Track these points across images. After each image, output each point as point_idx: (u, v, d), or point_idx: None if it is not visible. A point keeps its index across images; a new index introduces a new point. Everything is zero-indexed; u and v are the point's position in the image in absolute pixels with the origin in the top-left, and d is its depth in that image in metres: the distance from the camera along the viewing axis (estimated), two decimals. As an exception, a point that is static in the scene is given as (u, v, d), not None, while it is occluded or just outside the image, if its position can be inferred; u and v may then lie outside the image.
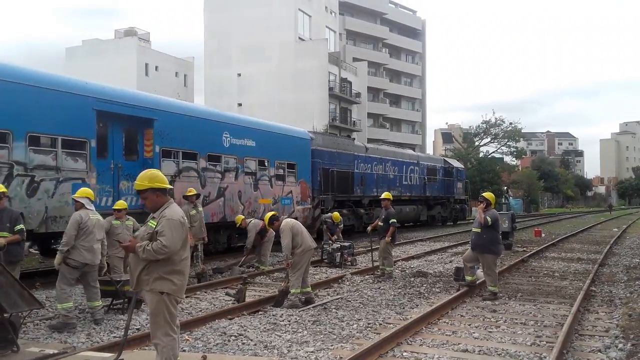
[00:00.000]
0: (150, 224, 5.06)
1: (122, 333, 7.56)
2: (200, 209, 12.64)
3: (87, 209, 8.15)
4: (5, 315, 6.44)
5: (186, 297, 10.28)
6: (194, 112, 15.70)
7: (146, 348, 6.96)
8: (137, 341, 7.05)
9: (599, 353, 6.74)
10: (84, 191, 8.41)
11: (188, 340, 7.26)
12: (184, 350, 6.83)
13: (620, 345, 6.97)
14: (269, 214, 10.29)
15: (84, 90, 12.16)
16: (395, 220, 12.76)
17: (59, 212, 11.19)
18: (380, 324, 8.20)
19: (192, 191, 12.74)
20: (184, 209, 12.25)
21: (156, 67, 55.00)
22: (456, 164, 38.28)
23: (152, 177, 5.20)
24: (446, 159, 38.85)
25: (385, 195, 13.32)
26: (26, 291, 6.71)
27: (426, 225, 32.43)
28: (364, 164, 25.31)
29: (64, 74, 14.83)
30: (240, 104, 49.78)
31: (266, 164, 17.94)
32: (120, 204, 10.31)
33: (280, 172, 18.69)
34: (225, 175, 16.07)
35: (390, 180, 27.80)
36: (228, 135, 16.18)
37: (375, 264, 13.29)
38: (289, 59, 50.77)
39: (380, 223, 12.97)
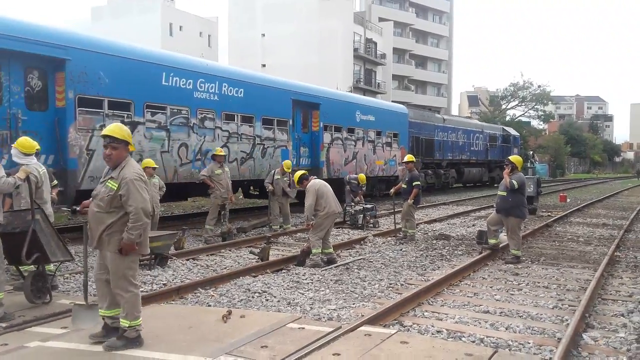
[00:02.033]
0: (111, 185, 4.96)
1: (149, 288, 7.79)
2: (227, 169, 12.66)
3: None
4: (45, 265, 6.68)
5: (211, 254, 10.50)
6: (340, 97, 21.75)
7: (172, 302, 7.15)
8: (164, 295, 7.22)
9: (621, 317, 6.72)
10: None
11: (213, 295, 7.43)
12: (210, 305, 7.01)
13: (643, 311, 6.94)
14: (299, 172, 10.18)
15: (286, 86, 17.65)
16: (419, 183, 12.70)
17: (276, 166, 15.41)
18: (402, 285, 8.27)
19: (220, 151, 12.69)
20: (210, 167, 12.40)
21: (180, 27, 54.74)
22: (513, 131, 42.41)
23: (127, 130, 5.13)
24: (505, 127, 43.06)
25: (408, 157, 13.22)
26: (62, 242, 6.92)
27: (487, 186, 36.57)
28: (442, 132, 30.58)
29: (240, 69, 17.96)
30: (264, 65, 49.47)
31: (380, 134, 23.15)
32: (148, 162, 10.45)
33: (389, 140, 23.95)
34: (357, 143, 21.33)
35: (461, 146, 33.00)
36: (359, 113, 21.65)
37: (398, 226, 13.31)
38: (313, 18, 50.01)
39: (403, 185, 12.93)
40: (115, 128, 5.09)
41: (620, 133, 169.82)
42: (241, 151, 15.38)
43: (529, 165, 40.20)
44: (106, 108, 11.82)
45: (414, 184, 12.58)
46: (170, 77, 13.30)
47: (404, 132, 25.31)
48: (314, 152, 18.99)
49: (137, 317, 5.11)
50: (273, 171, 14.27)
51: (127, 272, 5.09)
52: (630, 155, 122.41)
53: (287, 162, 14.44)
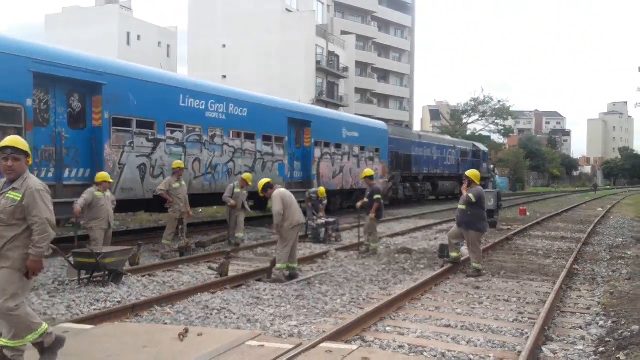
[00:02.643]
0: (13, 196, 4.64)
1: (102, 305, 7.52)
2: (184, 183, 12.41)
3: None
4: None
5: (168, 270, 10.25)
6: (329, 114, 24.08)
7: (127, 320, 6.91)
8: (118, 313, 6.98)
9: (580, 330, 6.79)
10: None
11: (170, 313, 7.21)
12: (166, 323, 6.80)
13: (601, 322, 7.03)
14: (263, 180, 9.98)
15: (283, 105, 19.56)
16: (379, 197, 12.76)
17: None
18: (364, 299, 8.21)
19: (179, 164, 12.36)
20: (167, 180, 12.13)
21: (138, 37, 54.06)
22: (482, 147, 45.39)
23: (26, 142, 4.86)
24: (474, 143, 45.79)
25: (366, 172, 13.29)
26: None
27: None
28: (418, 147, 32.51)
29: (220, 85, 19.13)
30: (224, 76, 49.00)
31: (364, 149, 24.93)
32: (104, 176, 10.17)
33: (371, 154, 25.64)
34: (343, 157, 23.10)
35: (435, 161, 34.83)
36: (345, 130, 23.40)
37: (361, 240, 13.28)
38: (275, 30, 49.86)
39: (365, 199, 12.93)
40: (16, 139, 4.78)
41: (577, 148, 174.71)
42: (245, 165, 16.91)
43: (490, 177, 42.36)
44: (134, 127, 13.14)
45: (374, 197, 12.60)
46: (187, 99, 14.78)
47: (384, 147, 27.14)
48: (306, 166, 20.71)
49: (24, 336, 4.69)
50: (232, 185, 13.97)
51: (23, 288, 4.70)
52: (587, 169, 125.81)
53: (248, 175, 14.27)
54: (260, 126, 17.63)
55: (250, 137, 17.23)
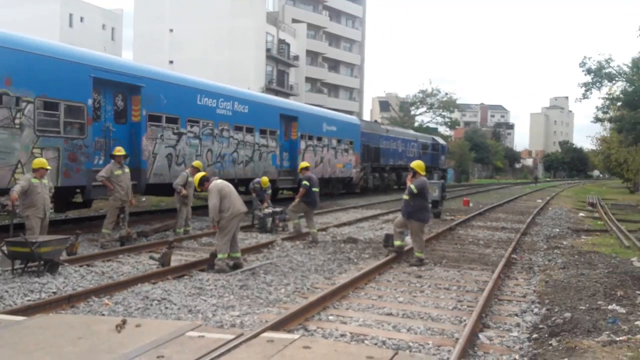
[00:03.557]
0: None
1: (36, 296, 7.27)
2: (127, 170, 12.06)
3: None
4: None
5: (107, 260, 9.99)
6: (313, 111, 26.92)
7: (62, 312, 6.70)
8: (53, 304, 6.76)
9: (515, 317, 7.00)
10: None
11: (108, 304, 7.03)
12: (103, 314, 6.63)
13: (535, 310, 7.27)
14: (199, 174, 9.86)
15: (276, 103, 22.93)
16: (306, 183, 13.16)
17: (269, 169, 20.64)
18: (309, 289, 8.22)
19: (120, 150, 12.03)
20: (108, 167, 11.79)
21: (81, 18, 52.11)
22: (441, 141, 49.03)
23: None
24: (435, 137, 49.16)
25: (302, 165, 13.94)
26: None
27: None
28: (385, 141, 35.22)
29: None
30: (171, 62, 47.97)
31: (340, 142, 27.57)
32: (41, 162, 9.79)
33: (346, 147, 28.37)
34: (323, 149, 25.74)
35: (400, 153, 37.50)
36: (325, 124, 26.14)
37: (305, 230, 13.36)
38: (224, 16, 49.05)
39: (301, 188, 13.41)
40: None
41: (520, 141, 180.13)
42: (246, 155, 19.48)
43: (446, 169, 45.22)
44: (164, 122, 15.54)
45: (302, 183, 13.17)
46: (202, 98, 17.26)
47: (357, 140, 29.99)
48: (293, 156, 23.20)
49: None
50: (185, 173, 13.67)
51: None
52: (529, 162, 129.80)
53: (199, 163, 14.11)
54: (258, 121, 20.27)
55: (250, 130, 19.74)
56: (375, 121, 48.53)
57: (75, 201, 14.48)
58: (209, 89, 17.78)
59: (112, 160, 11.93)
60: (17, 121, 11.50)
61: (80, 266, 9.20)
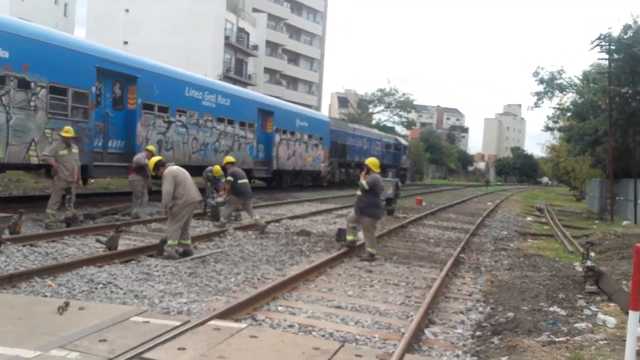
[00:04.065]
0: None
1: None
2: (75, 150, 11.67)
3: None
4: None
5: (52, 241, 9.69)
6: (288, 107, 28.60)
7: (3, 291, 6.47)
8: (-8, 284, 6.51)
9: (461, 314, 7.13)
10: None
11: (51, 285, 6.83)
12: (46, 296, 6.43)
13: (480, 308, 7.43)
14: (155, 158, 9.66)
15: (255, 97, 25.00)
16: (230, 178, 13.25)
17: (246, 159, 22.65)
18: (259, 279, 8.17)
19: (68, 131, 11.60)
20: (54, 146, 11.42)
21: (32, -8, 50.20)
22: (403, 141, 52.33)
23: None
24: (397, 137, 52.79)
25: (227, 159, 14.04)
26: None
27: None
28: (352, 138, 37.85)
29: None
30: (126, 42, 46.64)
31: (311, 137, 29.73)
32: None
33: (316, 142, 30.60)
34: (296, 143, 27.80)
35: (365, 150, 39.34)
36: (299, 120, 28.34)
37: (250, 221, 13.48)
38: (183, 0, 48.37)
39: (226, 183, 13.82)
40: None
41: (474, 145, 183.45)
42: (226, 145, 21.28)
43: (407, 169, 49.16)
44: (156, 111, 17.10)
45: (227, 178, 13.41)
46: (190, 90, 18.97)
47: (326, 136, 32.24)
48: (268, 148, 25.18)
49: None
50: (141, 155, 13.62)
51: None
52: (481, 165, 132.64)
53: (152, 147, 14.13)
54: (239, 114, 22.07)
55: (231, 122, 21.55)
56: (343, 119, 51.52)
57: None
58: (196, 82, 19.66)
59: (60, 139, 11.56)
60: (32, 104, 12.93)
61: (24, 246, 8.91)
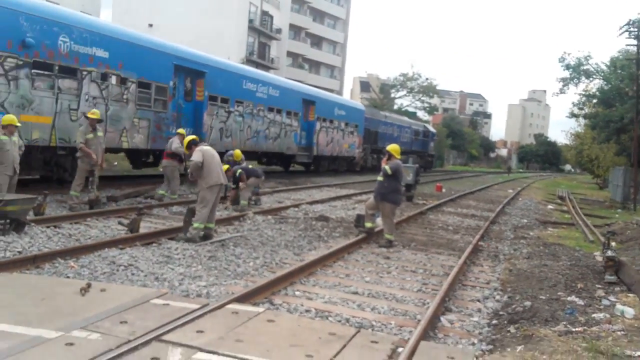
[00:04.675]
0: None
1: (1, 255, 7.16)
2: (100, 134, 11.83)
3: None
4: None
5: (75, 223, 9.88)
6: (328, 96, 31.97)
7: (27, 272, 6.63)
8: (17, 264, 6.68)
9: (477, 303, 7.14)
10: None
11: (73, 267, 6.97)
12: (68, 277, 6.57)
13: (497, 297, 7.42)
14: (189, 137, 9.99)
15: (300, 88, 27.08)
16: (241, 171, 13.76)
17: (291, 145, 25.37)
18: (277, 264, 8.25)
19: (95, 114, 11.76)
20: (81, 130, 11.58)
21: (59, -26, 50.59)
22: (431, 128, 54.51)
23: None
24: (425, 124, 54.99)
25: (237, 154, 15.19)
26: None
27: None
28: (383, 126, 39.58)
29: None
30: (151, 25, 46.87)
31: (347, 125, 31.86)
32: (10, 119, 9.57)
33: (352, 129, 32.66)
34: (334, 131, 30.14)
35: (395, 137, 40.39)
36: (337, 109, 30.49)
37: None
38: (209, -18, 48.33)
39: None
40: None
41: (496, 131, 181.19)
42: (275, 132, 23.69)
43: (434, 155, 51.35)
44: (219, 102, 19.50)
45: (239, 172, 13.79)
46: (246, 83, 21.45)
47: (361, 124, 34.07)
48: (310, 135, 27.34)
49: None
50: (173, 139, 14.20)
51: None
52: (503, 152, 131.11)
53: (182, 130, 14.70)
54: (285, 104, 24.23)
55: (279, 112, 23.85)
56: (375, 107, 53.21)
57: (147, 161, 18.19)
58: (251, 75, 22.30)
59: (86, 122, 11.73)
60: (124, 97, 15.13)
61: (47, 227, 9.09)
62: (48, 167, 13.81)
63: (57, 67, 13.16)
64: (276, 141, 23.94)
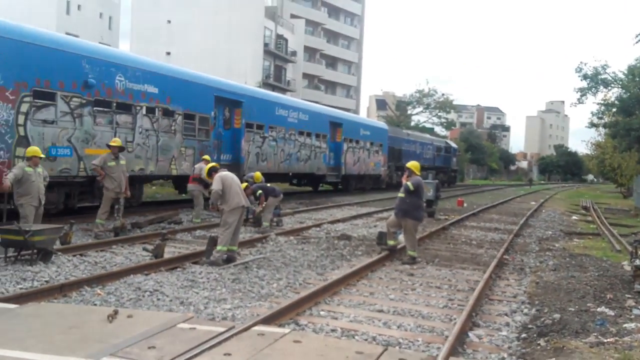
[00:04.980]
0: None
1: (29, 285, 7.27)
2: (123, 162, 12.06)
3: None
4: None
5: (101, 250, 9.99)
6: (353, 118, 34.81)
7: (54, 300, 6.71)
8: (45, 293, 6.77)
9: (505, 317, 7.04)
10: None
11: (100, 294, 7.05)
12: (95, 304, 6.64)
13: (525, 310, 7.32)
14: (210, 164, 10.23)
15: (327, 112, 29.37)
16: (260, 192, 14.12)
17: (321, 165, 26.72)
18: (301, 284, 8.25)
19: (116, 142, 12.10)
20: (103, 157, 11.79)
21: (78, 6, 51.61)
22: (452, 144, 55.02)
23: None
24: (447, 140, 56.32)
25: (256, 174, 15.38)
26: None
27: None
28: (406, 144, 40.49)
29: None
30: (169, 53, 47.83)
31: (372, 144, 32.87)
32: (34, 151, 9.78)
33: (377, 149, 33.69)
34: (360, 150, 31.17)
35: (418, 154, 41.36)
36: (362, 130, 31.88)
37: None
38: (223, 9, 48.87)
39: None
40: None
41: (515, 143, 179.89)
42: (305, 154, 24.94)
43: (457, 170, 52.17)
44: (255, 128, 20.85)
45: (258, 193, 14.16)
46: (279, 109, 22.87)
47: (385, 143, 35.22)
48: (337, 156, 28.48)
49: None
50: (198, 165, 14.87)
51: None
52: (524, 164, 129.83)
53: (207, 156, 15.33)
54: (314, 127, 25.64)
55: (309, 135, 25.15)
56: (397, 126, 54.48)
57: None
58: (283, 102, 24.02)
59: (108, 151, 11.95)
60: (172, 128, 16.43)
61: (74, 256, 9.22)
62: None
63: (114, 104, 14.39)
64: (307, 163, 25.15)
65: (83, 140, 13.40)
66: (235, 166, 18.98)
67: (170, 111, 16.31)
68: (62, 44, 13.19)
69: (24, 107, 11.96)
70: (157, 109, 15.78)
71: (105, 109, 14.20)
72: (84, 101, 13.40)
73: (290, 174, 25.18)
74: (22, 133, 11.86)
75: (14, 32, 12.04)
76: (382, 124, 38.16)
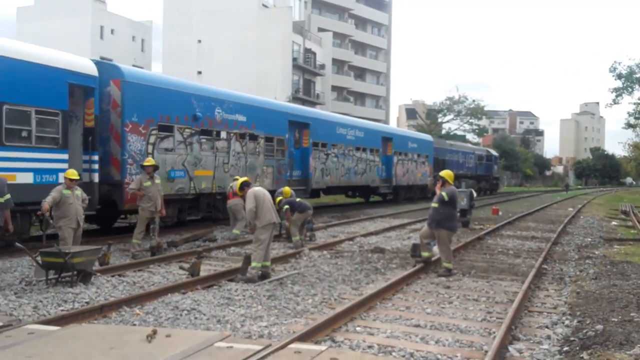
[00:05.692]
0: None
1: (69, 306, 7.42)
2: (158, 181, 12.23)
3: None
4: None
5: (138, 270, 10.15)
6: (401, 132, 37.09)
7: (94, 321, 6.83)
8: (86, 314, 6.90)
9: (546, 329, 6.90)
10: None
11: (139, 314, 7.15)
12: (134, 324, 6.73)
13: (567, 322, 7.15)
14: (242, 179, 10.33)
15: (380, 128, 33.27)
16: (287, 207, 14.12)
17: (374, 178, 29.07)
18: (336, 299, 8.22)
19: (149, 161, 12.31)
20: (139, 178, 12.02)
21: (112, 31, 53.08)
22: (493, 152, 56.29)
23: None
24: (488, 149, 57.10)
25: (286, 191, 15.27)
26: None
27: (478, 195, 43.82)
28: (449, 154, 42.44)
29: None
30: (200, 72, 48.66)
31: (419, 155, 34.86)
32: (72, 173, 10.01)
33: (423, 160, 35.60)
34: (409, 162, 33.16)
35: (460, 164, 43.84)
36: (410, 143, 33.81)
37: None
38: (251, 26, 49.63)
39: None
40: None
41: (550, 148, 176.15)
42: (362, 168, 27.20)
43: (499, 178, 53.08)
44: (320, 147, 23.39)
45: (285, 208, 14.18)
46: (339, 129, 25.41)
47: (430, 154, 37.20)
48: (389, 168, 30.52)
49: None
50: (233, 183, 14.87)
51: None
52: (559, 169, 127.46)
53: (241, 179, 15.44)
54: (369, 142, 27.96)
55: (364, 150, 27.54)
56: (440, 137, 56.22)
57: None
58: (342, 121, 26.62)
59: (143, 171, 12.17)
60: (257, 150, 18.93)
61: (112, 276, 9.39)
62: (208, 209, 17.36)
63: (214, 132, 17.05)
64: (363, 175, 27.33)
65: (193, 164, 16.06)
66: (304, 181, 22.08)
67: (255, 135, 18.78)
68: (177, 86, 16.01)
69: (152, 139, 14.63)
70: (246, 135, 18.29)
71: (208, 137, 16.79)
72: (193, 131, 16.10)
73: (350, 186, 27.57)
74: (151, 160, 13.83)
75: (146, 78, 15.15)
76: (427, 136, 39.92)
